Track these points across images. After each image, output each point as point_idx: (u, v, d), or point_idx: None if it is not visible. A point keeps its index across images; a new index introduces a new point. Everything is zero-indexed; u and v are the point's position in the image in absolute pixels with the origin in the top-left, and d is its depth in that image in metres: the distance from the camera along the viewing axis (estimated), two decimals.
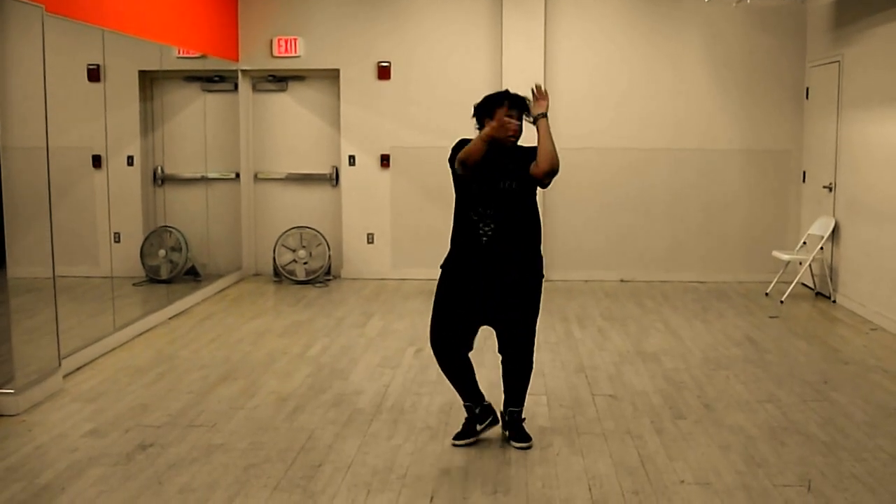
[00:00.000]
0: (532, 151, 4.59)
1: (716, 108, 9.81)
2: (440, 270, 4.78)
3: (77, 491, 4.21)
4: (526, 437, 4.81)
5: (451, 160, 4.63)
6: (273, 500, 4.14)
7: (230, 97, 9.96)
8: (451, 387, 4.95)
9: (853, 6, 8.42)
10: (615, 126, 9.86)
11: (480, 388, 4.91)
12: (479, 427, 4.87)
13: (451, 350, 4.77)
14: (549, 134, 4.54)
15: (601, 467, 4.53)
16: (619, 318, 8.03)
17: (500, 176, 4.60)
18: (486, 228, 4.60)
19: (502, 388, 4.89)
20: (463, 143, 4.59)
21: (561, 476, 4.42)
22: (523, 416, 4.90)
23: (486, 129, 4.45)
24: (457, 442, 4.82)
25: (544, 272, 4.82)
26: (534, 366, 4.89)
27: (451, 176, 4.71)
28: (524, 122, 4.64)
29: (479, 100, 4.73)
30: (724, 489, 4.25)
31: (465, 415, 4.90)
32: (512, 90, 4.72)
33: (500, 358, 4.83)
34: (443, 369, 4.84)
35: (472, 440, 4.83)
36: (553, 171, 4.52)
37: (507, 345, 4.75)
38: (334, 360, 6.60)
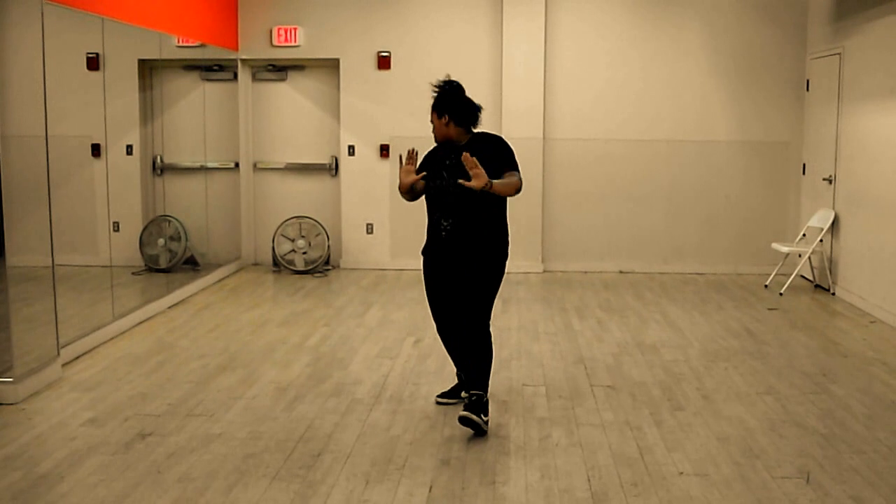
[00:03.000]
0: (493, 143, 4.93)
1: (716, 99, 9.80)
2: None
3: (76, 479, 4.22)
4: (475, 425, 4.73)
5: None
6: (272, 489, 4.14)
7: (230, 86, 9.94)
8: (450, 377, 5.05)
9: None
10: (615, 117, 9.84)
11: None
12: (463, 394, 5.19)
13: (445, 323, 5.12)
14: (502, 185, 4.75)
15: (600, 458, 4.53)
16: (617, 310, 8.03)
17: (453, 174, 4.81)
18: (446, 223, 4.92)
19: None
20: (429, 152, 5.10)
21: (560, 467, 4.42)
22: (486, 400, 4.81)
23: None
24: (440, 399, 5.31)
25: (508, 253, 5.06)
26: (493, 350, 5.03)
27: None
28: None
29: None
30: (723, 481, 4.26)
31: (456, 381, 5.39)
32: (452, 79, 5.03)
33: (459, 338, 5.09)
34: (442, 339, 5.23)
35: (453, 401, 5.27)
36: (516, 193, 4.87)
37: (464, 326, 4.94)
38: (333, 350, 6.60)
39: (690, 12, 9.71)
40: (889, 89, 7.63)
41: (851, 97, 8.44)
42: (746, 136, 9.82)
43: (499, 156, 4.88)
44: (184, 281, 8.55)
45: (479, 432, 4.79)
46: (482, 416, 4.76)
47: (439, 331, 5.20)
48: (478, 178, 4.58)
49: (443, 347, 5.72)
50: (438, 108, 4.94)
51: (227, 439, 4.76)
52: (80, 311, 6.82)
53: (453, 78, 5.02)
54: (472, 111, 4.94)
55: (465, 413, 4.74)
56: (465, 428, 4.84)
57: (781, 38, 9.69)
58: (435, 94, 4.98)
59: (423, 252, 5.12)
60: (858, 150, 8.30)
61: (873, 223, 7.93)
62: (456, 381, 5.45)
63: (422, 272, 5.16)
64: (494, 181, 4.67)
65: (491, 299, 4.96)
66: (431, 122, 4.99)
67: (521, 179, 4.88)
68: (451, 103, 4.93)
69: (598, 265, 9.99)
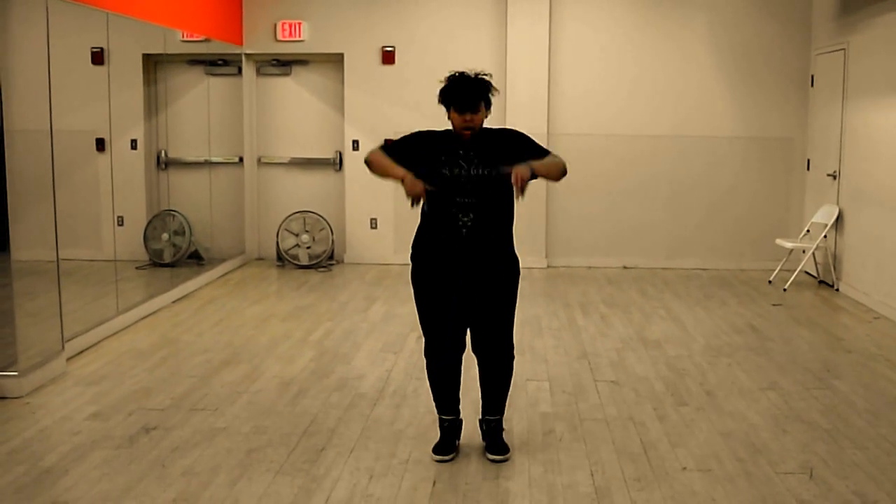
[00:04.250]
0: (510, 133, 4.40)
1: (720, 95, 9.78)
2: (411, 263, 4.44)
3: (80, 473, 4.23)
4: (503, 449, 4.47)
5: (395, 145, 4.43)
6: (276, 483, 4.15)
7: (234, 81, 9.94)
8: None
9: None
10: (619, 113, 9.83)
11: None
12: (457, 442, 4.59)
13: (454, 344, 4.44)
14: (545, 165, 4.28)
15: (603, 453, 4.53)
16: (621, 305, 8.03)
17: (475, 161, 4.28)
18: (466, 219, 4.26)
19: (480, 395, 4.59)
20: (417, 134, 4.40)
21: (563, 462, 4.42)
22: (504, 426, 4.59)
23: (402, 180, 4.17)
24: (443, 457, 4.46)
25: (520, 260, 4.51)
26: (513, 369, 4.56)
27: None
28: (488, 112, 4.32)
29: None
30: (726, 476, 4.26)
31: (440, 430, 4.60)
32: (476, 70, 4.34)
33: (476, 360, 4.49)
34: (433, 375, 4.53)
35: (454, 455, 4.50)
36: (564, 174, 4.38)
37: (485, 343, 4.42)
38: (337, 345, 6.61)
39: (695, 7, 9.69)
40: (894, 85, 7.61)
41: (856, 93, 8.42)
42: (751, 131, 9.81)
43: (521, 146, 4.34)
44: (188, 275, 8.56)
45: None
46: (503, 437, 4.56)
47: (443, 357, 4.46)
48: (520, 172, 4.08)
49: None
50: (485, 100, 4.27)
51: (231, 433, 4.77)
52: (85, 305, 6.83)
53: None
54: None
55: (495, 457, 4.43)
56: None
57: (786, 33, 9.67)
58: (452, 85, 4.29)
59: (422, 255, 4.40)
60: (863, 146, 8.28)
61: (877, 219, 7.91)
62: (441, 433, 4.61)
63: (412, 283, 4.45)
64: (534, 163, 4.17)
65: (514, 307, 4.44)
66: (462, 112, 4.24)
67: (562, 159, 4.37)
68: (472, 93, 4.26)
69: (602, 260, 9.99)
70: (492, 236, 4.34)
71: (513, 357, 4.52)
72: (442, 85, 4.36)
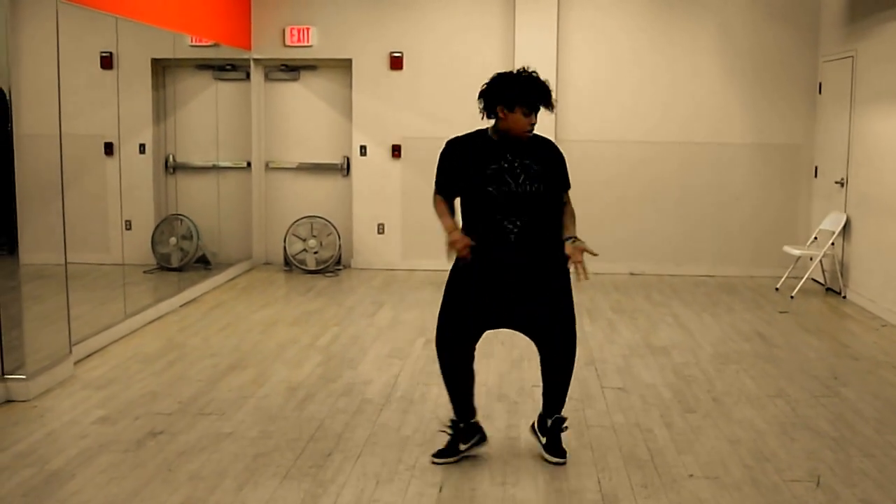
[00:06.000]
0: (552, 149, 4.42)
1: (728, 101, 9.78)
2: (453, 262, 4.35)
3: (87, 477, 4.23)
4: (562, 452, 4.48)
5: (439, 176, 4.42)
6: (282, 488, 4.15)
7: (242, 86, 9.96)
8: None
9: (867, 1, 8.37)
10: (626, 119, 9.83)
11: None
12: (462, 446, 4.49)
13: (462, 347, 4.42)
14: (574, 224, 4.49)
15: (610, 460, 4.53)
16: (628, 312, 8.02)
17: (522, 178, 4.25)
18: (513, 226, 4.24)
19: (542, 391, 4.56)
20: (451, 146, 4.38)
21: (570, 468, 4.42)
22: (566, 426, 4.55)
23: (447, 235, 4.26)
24: (437, 460, 4.46)
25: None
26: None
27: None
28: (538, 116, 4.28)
29: (489, 79, 4.31)
30: (733, 483, 4.25)
31: (451, 430, 4.53)
32: (526, 70, 4.34)
33: (544, 359, 4.43)
34: (447, 370, 4.48)
35: (454, 459, 4.46)
36: None
37: (554, 344, 4.37)
38: (344, 350, 6.61)
39: (703, 14, 9.69)
40: None
41: (864, 100, 8.41)
42: (759, 138, 9.80)
43: (559, 169, 4.42)
44: (195, 280, 8.58)
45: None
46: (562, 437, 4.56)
47: (455, 351, 4.43)
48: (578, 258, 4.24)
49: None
50: (534, 103, 4.23)
51: (237, 438, 4.77)
52: (92, 309, 6.84)
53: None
54: None
55: (553, 459, 4.46)
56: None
57: (794, 40, 9.66)
58: (524, 83, 4.26)
59: (469, 261, 4.25)
60: (870, 153, 8.27)
61: (885, 226, 7.90)
62: (451, 433, 4.55)
63: (448, 279, 4.41)
64: (576, 234, 4.37)
65: (573, 306, 4.41)
66: (501, 115, 4.21)
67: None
68: (548, 97, 4.25)
69: (609, 267, 9.95)
70: (540, 243, 4.31)
71: (575, 347, 4.43)
72: (494, 81, 4.28)
